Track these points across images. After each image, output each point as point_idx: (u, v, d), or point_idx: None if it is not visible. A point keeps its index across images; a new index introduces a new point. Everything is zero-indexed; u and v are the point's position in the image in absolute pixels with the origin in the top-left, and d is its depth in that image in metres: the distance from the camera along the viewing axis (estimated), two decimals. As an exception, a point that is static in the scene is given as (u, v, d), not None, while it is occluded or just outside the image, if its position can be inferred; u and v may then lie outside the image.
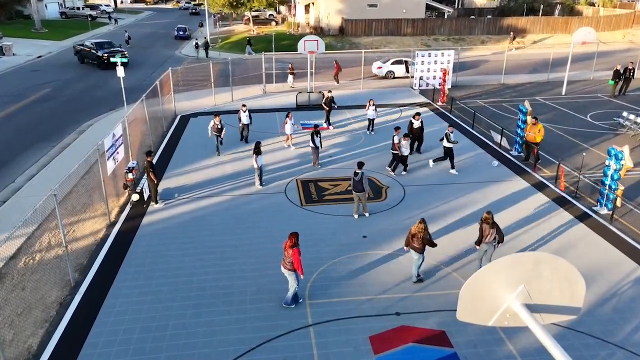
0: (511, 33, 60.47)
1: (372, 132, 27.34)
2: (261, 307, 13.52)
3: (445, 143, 22.14)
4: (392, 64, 42.14)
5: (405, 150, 21.64)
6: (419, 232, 13.84)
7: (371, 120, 27.25)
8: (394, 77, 41.78)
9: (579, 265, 15.10)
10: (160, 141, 26.64)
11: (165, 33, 73.61)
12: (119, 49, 48.85)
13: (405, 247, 14.45)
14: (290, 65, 39.66)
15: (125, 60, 46.74)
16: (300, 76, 40.69)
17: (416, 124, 23.89)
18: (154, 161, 22.24)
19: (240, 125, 25.94)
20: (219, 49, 58.14)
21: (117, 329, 12.75)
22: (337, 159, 23.88)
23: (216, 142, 24.10)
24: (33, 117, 31.80)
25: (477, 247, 14.61)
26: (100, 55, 46.47)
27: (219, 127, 23.73)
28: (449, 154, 22.19)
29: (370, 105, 26.84)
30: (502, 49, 51.07)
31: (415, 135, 24.04)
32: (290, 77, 39.10)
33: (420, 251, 14.05)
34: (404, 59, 42.60)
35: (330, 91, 29.09)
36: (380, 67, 42.28)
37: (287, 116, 24.95)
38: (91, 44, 48.32)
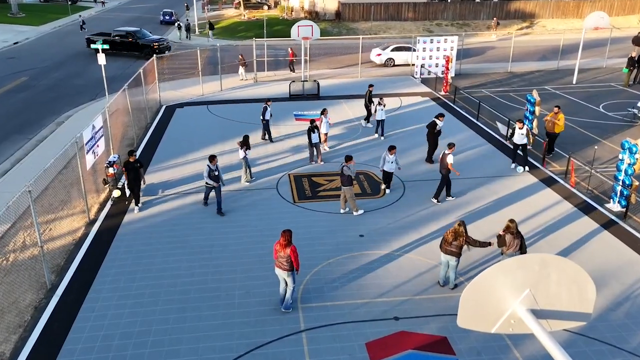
0: (494, 18, 59.89)
1: (382, 137, 25.60)
2: (250, 311, 13.43)
3: (517, 139, 21.23)
4: (392, 50, 41.97)
5: (388, 167, 19.24)
6: (461, 236, 13.63)
7: (380, 122, 25.24)
8: (394, 65, 41.64)
9: (589, 266, 15.08)
10: (143, 133, 26.48)
11: (150, 18, 73.25)
12: (162, 37, 49.47)
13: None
14: (240, 56, 37.86)
15: (169, 48, 47.18)
16: (294, 64, 40.55)
17: (440, 125, 22.31)
18: (138, 154, 22.21)
19: (265, 121, 24.86)
20: (207, 35, 57.85)
21: (96, 335, 12.64)
22: (333, 152, 23.77)
23: (216, 196, 18.37)
24: (8, 107, 31.58)
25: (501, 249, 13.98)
26: (147, 44, 46.04)
27: (217, 173, 18.36)
28: (522, 150, 21.58)
29: (379, 104, 25.07)
30: (510, 34, 50.97)
31: (435, 142, 22.49)
32: (241, 68, 37.35)
33: (459, 255, 13.87)
34: (404, 44, 42.44)
35: (371, 85, 27.52)
36: (379, 55, 42.11)
37: (322, 113, 23.77)
38: (127, 32, 47.36)
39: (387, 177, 19.66)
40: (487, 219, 17.88)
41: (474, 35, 55.21)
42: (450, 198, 19.34)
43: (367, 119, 27.30)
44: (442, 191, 19.20)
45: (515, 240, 13.58)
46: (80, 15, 66.79)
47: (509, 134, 22.96)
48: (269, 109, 24.67)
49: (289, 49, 39.92)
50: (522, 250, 13.66)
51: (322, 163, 22.41)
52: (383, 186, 19.92)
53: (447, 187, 19.19)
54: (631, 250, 16.14)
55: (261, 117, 24.72)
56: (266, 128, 24.97)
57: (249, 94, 33.55)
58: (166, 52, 46.28)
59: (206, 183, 18.34)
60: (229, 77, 37.12)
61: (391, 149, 18.87)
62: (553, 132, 22.63)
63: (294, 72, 39.35)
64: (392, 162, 19.10)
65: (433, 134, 22.35)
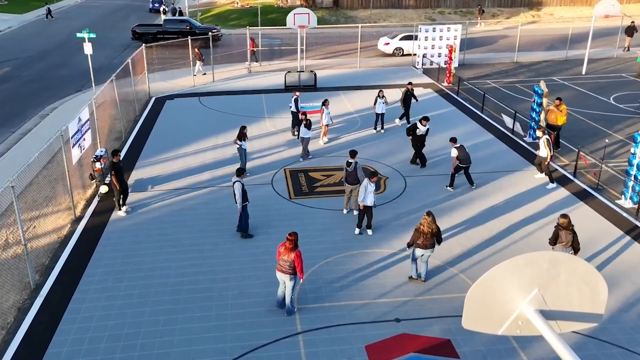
0: (479, 6, 59.18)
1: (382, 130, 25.56)
2: (244, 312, 13.41)
3: (542, 151, 19.87)
4: (401, 39, 41.81)
5: (370, 199, 16.34)
6: (432, 224, 13.80)
7: (380, 115, 25.15)
8: (403, 54, 41.49)
9: (600, 265, 15.09)
10: (132, 126, 26.41)
11: (139, 5, 73.17)
12: (214, 25, 50.10)
13: (409, 248, 14.45)
14: (197, 50, 35.78)
15: (208, 30, 45.85)
16: (289, 54, 40.47)
17: (421, 130, 21.29)
18: (123, 153, 22.28)
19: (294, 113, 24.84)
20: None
21: (82, 338, 12.61)
22: (330, 146, 23.74)
23: (244, 216, 16.66)
24: (-11, 99, 31.51)
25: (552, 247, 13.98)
26: (206, 31, 45.50)
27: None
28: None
29: (380, 97, 24.84)
30: (516, 23, 50.92)
31: (419, 147, 21.50)
32: (198, 63, 35.60)
33: (433, 247, 14.08)
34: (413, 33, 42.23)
35: (410, 83, 26.34)
36: (387, 44, 42.02)
37: (323, 104, 23.72)
38: (181, 21, 47.28)
39: (368, 212, 16.71)
40: (494, 218, 17.84)
41: (479, 24, 55.11)
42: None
43: (406, 118, 26.02)
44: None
45: (568, 236, 13.69)
46: (46, 3, 65.83)
47: (516, 127, 22.60)
48: (299, 100, 24.85)
49: (249, 38, 39.60)
50: (575, 246, 13.77)
51: (306, 159, 22.38)
52: (357, 231, 16.99)
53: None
54: (643, 248, 16.15)
55: (293, 110, 24.68)
56: (297, 119, 24.82)
57: (242, 85, 33.48)
58: (221, 38, 46.57)
59: (243, 205, 16.28)
60: (222, 68, 37.02)
61: (373, 175, 16.27)
62: (555, 124, 22.59)
63: (257, 62, 39.08)
64: (372, 192, 16.38)
65: (415, 138, 21.35)
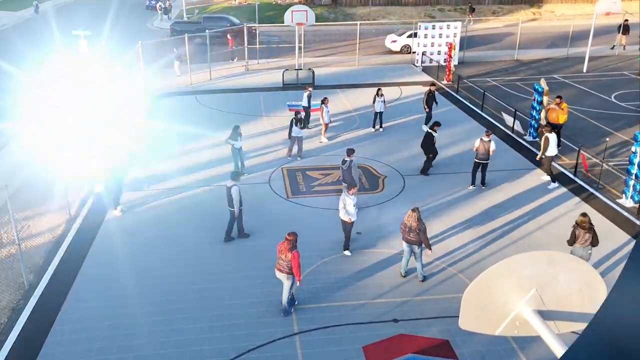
0: (469, 4, 59.04)
1: (381, 129, 25.49)
2: (240, 313, 13.41)
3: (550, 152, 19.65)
4: (409, 37, 41.72)
5: (350, 212, 15.23)
6: (414, 223, 13.89)
7: (379, 114, 25.11)
8: (409, 52, 41.40)
9: (600, 265, 15.07)
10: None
11: (136, 3, 73.04)
12: (251, 23, 49.43)
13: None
14: (175, 49, 35.33)
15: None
16: (287, 51, 40.44)
17: (436, 136, 20.79)
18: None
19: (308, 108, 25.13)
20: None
21: (77, 339, 12.61)
22: (328, 145, 23.74)
23: (238, 220, 16.56)
24: (-16, 97, 31.43)
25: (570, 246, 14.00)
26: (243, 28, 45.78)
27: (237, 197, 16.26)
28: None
29: (379, 95, 24.79)
30: (516, 20, 50.90)
31: (432, 151, 20.95)
32: (176, 63, 34.86)
33: (420, 243, 14.12)
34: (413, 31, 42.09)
35: (433, 84, 26.29)
36: (394, 41, 42.00)
37: (322, 102, 23.73)
38: (220, 17, 47.51)
39: (345, 228, 15.68)
40: (494, 218, 17.85)
41: (478, 21, 55.08)
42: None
43: (426, 122, 25.17)
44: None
45: (586, 235, 13.74)
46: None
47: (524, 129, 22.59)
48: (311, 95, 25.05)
49: (228, 35, 39.29)
50: (594, 244, 13.83)
51: (298, 158, 22.29)
52: (348, 253, 15.90)
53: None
54: (644, 248, 16.09)
55: (305, 105, 24.88)
56: (308, 116, 25.06)
57: (240, 83, 33.45)
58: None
59: (239, 208, 16.22)
60: (219, 66, 36.98)
61: (351, 187, 15.71)
62: (557, 123, 22.60)
63: (234, 60, 38.98)
64: (354, 205, 15.29)
65: (428, 144, 20.81)
